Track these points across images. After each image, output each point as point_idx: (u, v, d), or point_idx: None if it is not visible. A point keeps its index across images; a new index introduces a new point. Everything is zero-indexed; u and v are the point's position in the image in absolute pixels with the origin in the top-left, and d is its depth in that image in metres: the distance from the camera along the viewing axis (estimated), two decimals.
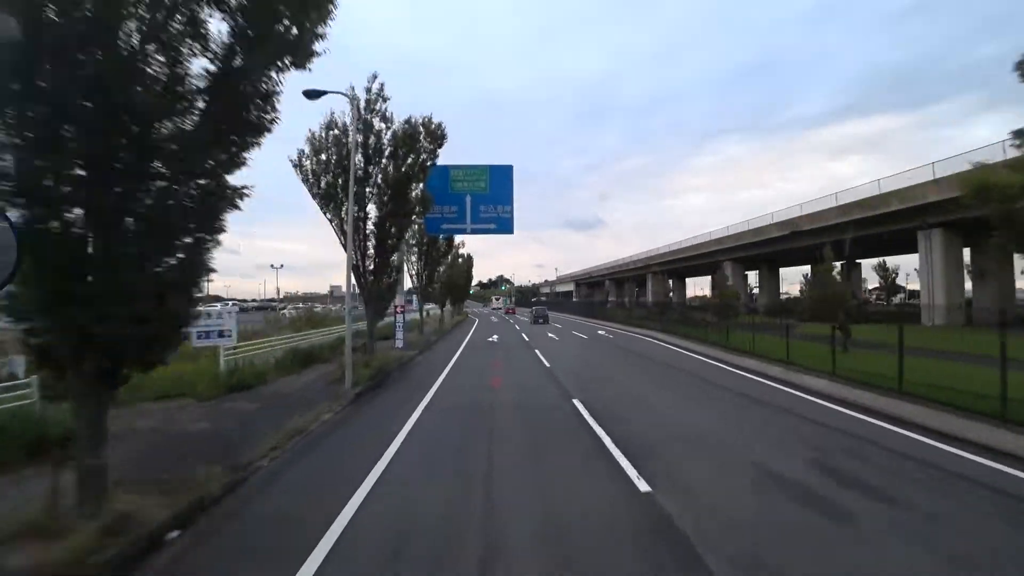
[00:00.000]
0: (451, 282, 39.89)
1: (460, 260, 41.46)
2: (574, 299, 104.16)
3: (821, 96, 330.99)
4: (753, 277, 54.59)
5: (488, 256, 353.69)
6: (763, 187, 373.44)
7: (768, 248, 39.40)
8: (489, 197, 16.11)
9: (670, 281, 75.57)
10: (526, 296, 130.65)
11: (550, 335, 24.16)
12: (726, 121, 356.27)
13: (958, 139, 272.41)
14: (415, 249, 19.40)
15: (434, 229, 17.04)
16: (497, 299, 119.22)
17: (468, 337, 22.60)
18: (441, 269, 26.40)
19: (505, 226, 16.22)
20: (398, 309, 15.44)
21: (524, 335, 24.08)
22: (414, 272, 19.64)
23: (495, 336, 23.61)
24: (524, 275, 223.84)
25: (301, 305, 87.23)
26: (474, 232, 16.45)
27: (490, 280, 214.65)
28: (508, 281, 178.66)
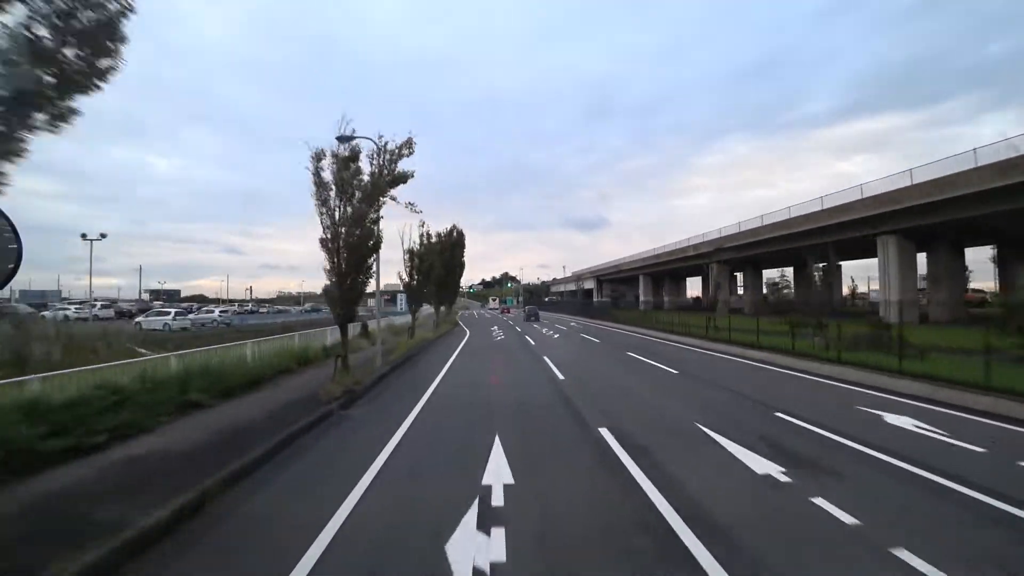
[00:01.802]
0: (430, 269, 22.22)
1: (426, 232, 23.78)
2: (595, 299, 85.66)
3: (828, 94, 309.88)
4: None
5: (490, 258, 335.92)
6: (769, 187, 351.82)
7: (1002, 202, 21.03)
8: None
9: (737, 275, 57.05)
10: (535, 296, 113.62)
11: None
12: (731, 120, 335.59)
13: (967, 136, 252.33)
14: None
15: None
16: (494, 300, 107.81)
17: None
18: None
19: None
20: None
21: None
22: None
23: (499, 471, 4.88)
24: (529, 275, 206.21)
25: (264, 309, 69.52)
26: None
27: (493, 278, 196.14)
28: (513, 279, 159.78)
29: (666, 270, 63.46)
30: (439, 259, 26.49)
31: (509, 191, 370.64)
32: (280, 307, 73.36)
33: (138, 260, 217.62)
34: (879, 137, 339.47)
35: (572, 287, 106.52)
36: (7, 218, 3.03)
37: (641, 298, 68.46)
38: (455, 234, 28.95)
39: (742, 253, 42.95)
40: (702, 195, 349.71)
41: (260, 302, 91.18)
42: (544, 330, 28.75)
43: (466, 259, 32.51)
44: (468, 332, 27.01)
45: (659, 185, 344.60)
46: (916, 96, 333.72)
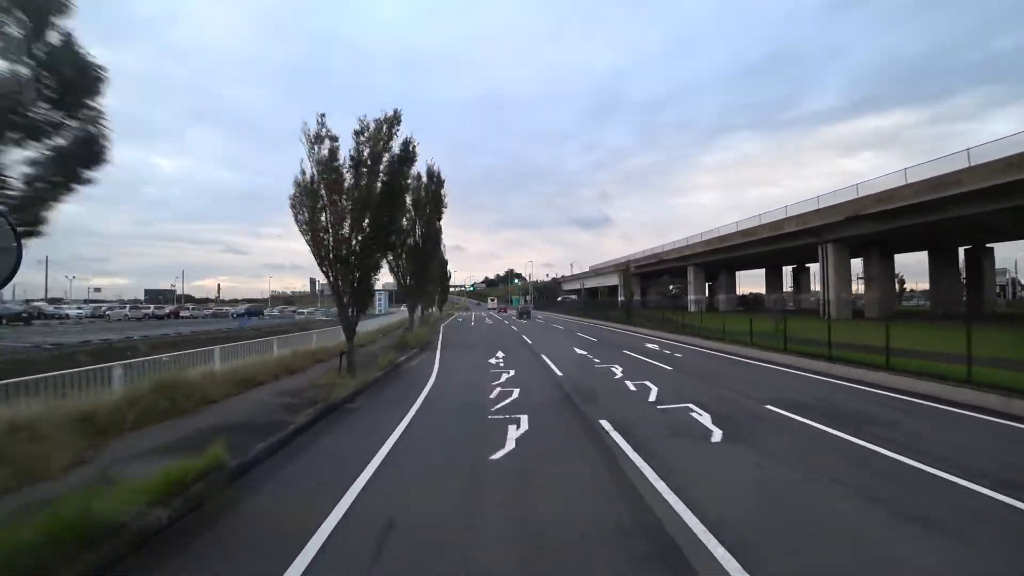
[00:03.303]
0: None
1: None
2: (621, 298, 69.40)
3: (834, 91, 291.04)
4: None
5: (495, 256, 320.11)
6: (775, 184, 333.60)
7: None
8: None
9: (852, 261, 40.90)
10: (543, 295, 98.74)
11: None
12: (737, 117, 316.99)
13: (974, 132, 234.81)
14: None
15: None
16: (492, 299, 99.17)
17: None
18: None
19: None
20: None
21: None
22: None
23: None
24: (536, 272, 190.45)
25: (186, 312, 53.16)
26: None
27: (497, 276, 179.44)
28: (519, 276, 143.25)
29: (733, 258, 47.08)
30: (364, 189, 10.44)
31: (512, 189, 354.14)
32: (216, 308, 57.74)
33: (141, 260, 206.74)
34: (886, 134, 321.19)
35: (590, 284, 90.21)
36: (7, 218, 3.03)
37: (692, 296, 52.35)
38: (409, 147, 12.45)
39: (885, 225, 26.58)
40: (708, 193, 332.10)
41: (195, 301, 76.24)
42: (617, 372, 12.09)
43: (467, 257, 18.17)
44: (428, 385, 11.07)
45: (663, 182, 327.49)
46: (923, 92, 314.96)
